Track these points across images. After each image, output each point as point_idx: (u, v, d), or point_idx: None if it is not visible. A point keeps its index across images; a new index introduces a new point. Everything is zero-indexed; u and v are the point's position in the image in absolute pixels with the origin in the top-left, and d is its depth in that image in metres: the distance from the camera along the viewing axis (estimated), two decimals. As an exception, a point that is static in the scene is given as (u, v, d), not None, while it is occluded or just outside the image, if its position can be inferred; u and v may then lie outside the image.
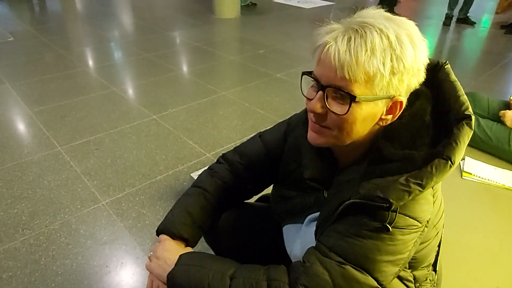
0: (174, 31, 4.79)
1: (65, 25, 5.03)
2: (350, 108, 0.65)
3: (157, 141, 2.36)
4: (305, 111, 0.89)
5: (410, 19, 0.68)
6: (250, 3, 6.09)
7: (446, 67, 0.75)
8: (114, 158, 2.18)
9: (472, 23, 5.34)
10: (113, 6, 6.25)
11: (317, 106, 0.69)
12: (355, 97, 0.64)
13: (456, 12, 5.34)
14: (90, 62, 3.73)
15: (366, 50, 0.62)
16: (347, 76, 0.63)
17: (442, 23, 5.34)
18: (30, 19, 5.20)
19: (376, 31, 0.62)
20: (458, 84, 0.73)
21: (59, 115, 2.62)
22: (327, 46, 0.65)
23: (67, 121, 2.55)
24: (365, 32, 0.63)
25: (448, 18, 5.30)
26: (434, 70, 0.75)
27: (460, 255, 1.52)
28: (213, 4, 5.43)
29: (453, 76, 0.74)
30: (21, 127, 2.52)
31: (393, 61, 0.63)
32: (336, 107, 0.67)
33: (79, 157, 2.18)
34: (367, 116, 0.68)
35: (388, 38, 0.62)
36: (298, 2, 6.68)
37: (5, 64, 3.49)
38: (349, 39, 0.63)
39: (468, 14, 5.36)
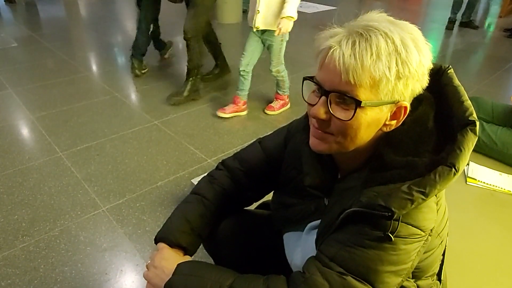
0: (176, 36, 4.79)
1: (68, 31, 5.05)
2: (355, 114, 0.64)
3: (158, 147, 2.35)
4: (305, 117, 0.87)
5: (413, 23, 0.66)
6: (252, 8, 6.10)
7: (449, 71, 0.73)
8: (115, 164, 2.17)
9: (475, 27, 5.31)
10: (116, 12, 6.27)
11: (320, 112, 0.67)
12: (360, 102, 0.63)
13: (459, 16, 5.32)
14: (93, 68, 3.74)
15: (372, 54, 0.61)
16: (352, 81, 0.62)
17: (445, 27, 5.32)
18: (34, 25, 5.22)
19: (381, 34, 0.61)
20: (462, 89, 0.71)
21: (61, 120, 2.62)
22: (331, 50, 0.63)
23: (68, 126, 2.55)
24: (370, 35, 0.61)
25: (451, 22, 5.28)
26: (437, 75, 0.73)
27: (465, 264, 1.49)
28: (215, 9, 5.45)
29: (456, 81, 0.72)
30: (22, 132, 2.51)
31: (399, 65, 0.61)
32: (340, 113, 0.65)
33: (80, 163, 2.17)
34: (371, 121, 0.66)
35: (393, 42, 0.61)
36: (300, 6, 6.62)
37: (8, 69, 3.50)
38: (353, 43, 0.61)
39: (471, 18, 5.34)
